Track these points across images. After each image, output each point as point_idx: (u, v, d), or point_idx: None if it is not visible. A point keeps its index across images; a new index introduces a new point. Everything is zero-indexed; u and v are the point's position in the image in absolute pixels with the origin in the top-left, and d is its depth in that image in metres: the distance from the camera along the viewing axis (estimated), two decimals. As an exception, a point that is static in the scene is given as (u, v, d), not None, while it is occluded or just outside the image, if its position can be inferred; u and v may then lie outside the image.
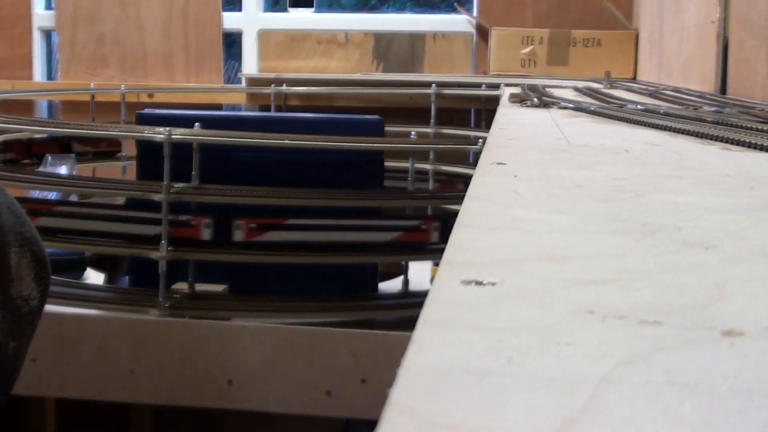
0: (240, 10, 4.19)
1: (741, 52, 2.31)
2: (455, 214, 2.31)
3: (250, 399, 2.00)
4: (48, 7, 4.29)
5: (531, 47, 3.79)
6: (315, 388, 1.97)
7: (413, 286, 2.29)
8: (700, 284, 0.48)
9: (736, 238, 0.59)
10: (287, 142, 2.14)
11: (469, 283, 0.46)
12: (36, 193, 2.75)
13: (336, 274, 2.35)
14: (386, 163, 2.45)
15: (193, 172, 2.11)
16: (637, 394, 0.32)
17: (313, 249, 2.14)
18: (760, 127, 1.27)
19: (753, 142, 1.14)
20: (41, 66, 4.33)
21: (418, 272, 2.36)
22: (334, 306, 2.20)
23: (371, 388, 1.93)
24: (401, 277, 2.33)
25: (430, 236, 2.15)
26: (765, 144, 1.11)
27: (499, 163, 0.94)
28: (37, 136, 2.91)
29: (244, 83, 3.97)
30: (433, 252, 2.18)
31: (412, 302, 2.19)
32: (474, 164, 1.69)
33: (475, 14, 4.05)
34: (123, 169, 3.18)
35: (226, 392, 2.00)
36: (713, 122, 1.38)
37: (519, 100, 1.98)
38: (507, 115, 1.70)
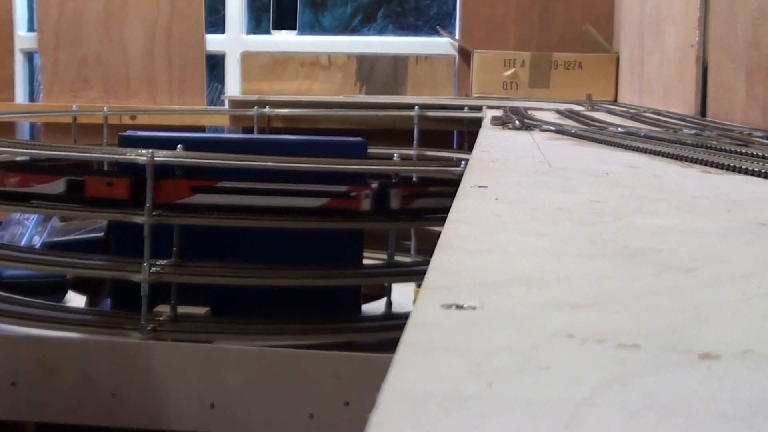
0: (223, 32, 4.20)
1: (720, 75, 2.33)
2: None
3: (232, 422, 1.99)
4: (30, 29, 4.28)
5: (513, 70, 3.82)
6: (298, 411, 1.97)
7: (396, 307, 2.29)
8: (678, 307, 0.48)
9: (714, 261, 0.60)
10: (270, 164, 2.14)
11: (449, 306, 0.46)
12: (17, 216, 2.74)
13: (319, 296, 2.34)
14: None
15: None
16: (616, 418, 0.33)
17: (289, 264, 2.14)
18: (738, 150, 1.28)
19: (732, 164, 1.15)
20: (23, 88, 4.32)
21: (402, 294, 2.36)
22: (318, 328, 2.20)
23: (354, 411, 1.93)
24: (384, 299, 2.33)
25: (360, 204, 2.11)
26: (743, 167, 1.12)
27: (480, 186, 0.94)
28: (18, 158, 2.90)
29: (227, 105, 3.97)
30: (416, 274, 2.18)
31: (396, 324, 2.19)
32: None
33: (457, 37, 4.07)
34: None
35: (208, 415, 1.99)
36: (693, 145, 1.39)
37: (501, 122, 1.98)
38: (489, 137, 1.70)
